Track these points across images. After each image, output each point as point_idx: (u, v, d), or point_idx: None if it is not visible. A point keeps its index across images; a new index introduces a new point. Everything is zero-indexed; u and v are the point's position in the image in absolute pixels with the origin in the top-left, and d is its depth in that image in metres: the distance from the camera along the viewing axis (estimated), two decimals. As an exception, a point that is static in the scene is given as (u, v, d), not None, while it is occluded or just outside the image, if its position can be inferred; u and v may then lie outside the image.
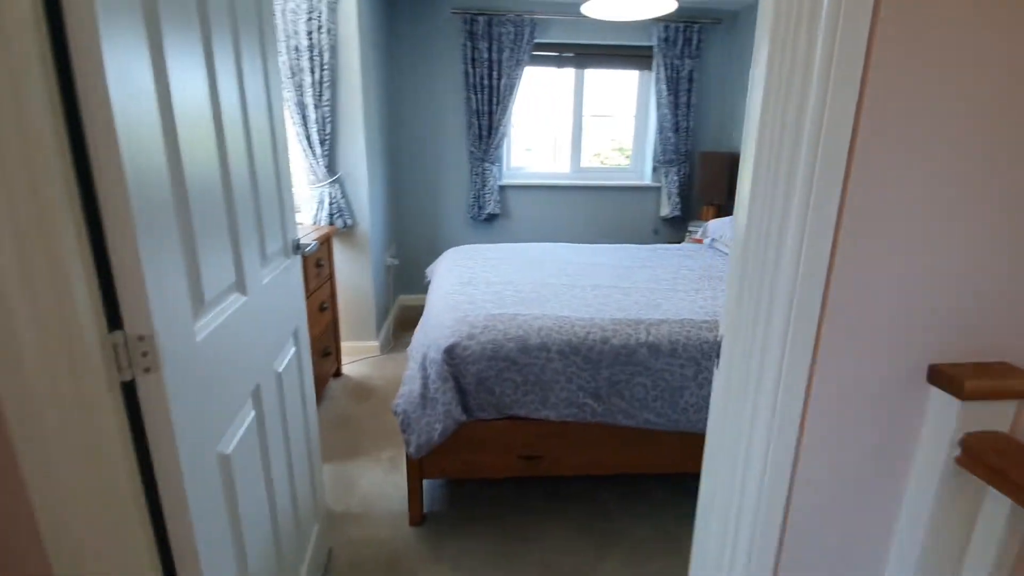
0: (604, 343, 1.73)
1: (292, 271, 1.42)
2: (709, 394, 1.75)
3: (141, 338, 0.71)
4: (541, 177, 4.17)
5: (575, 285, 2.23)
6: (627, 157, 4.25)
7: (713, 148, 4.00)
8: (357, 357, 3.13)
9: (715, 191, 3.75)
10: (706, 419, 1.75)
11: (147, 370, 0.73)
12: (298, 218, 2.94)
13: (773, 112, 0.82)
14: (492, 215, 3.95)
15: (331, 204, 2.84)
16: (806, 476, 0.92)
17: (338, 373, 2.91)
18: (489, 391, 1.70)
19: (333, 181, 2.85)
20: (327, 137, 2.78)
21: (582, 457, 1.81)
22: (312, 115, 2.71)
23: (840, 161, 0.78)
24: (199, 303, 0.87)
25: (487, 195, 3.87)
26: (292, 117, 2.71)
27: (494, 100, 3.69)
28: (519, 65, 3.64)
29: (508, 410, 1.72)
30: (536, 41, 3.66)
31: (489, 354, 1.68)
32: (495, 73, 3.63)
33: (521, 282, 2.26)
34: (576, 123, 4.07)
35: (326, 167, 2.82)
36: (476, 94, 3.67)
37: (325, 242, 2.63)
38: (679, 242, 4.03)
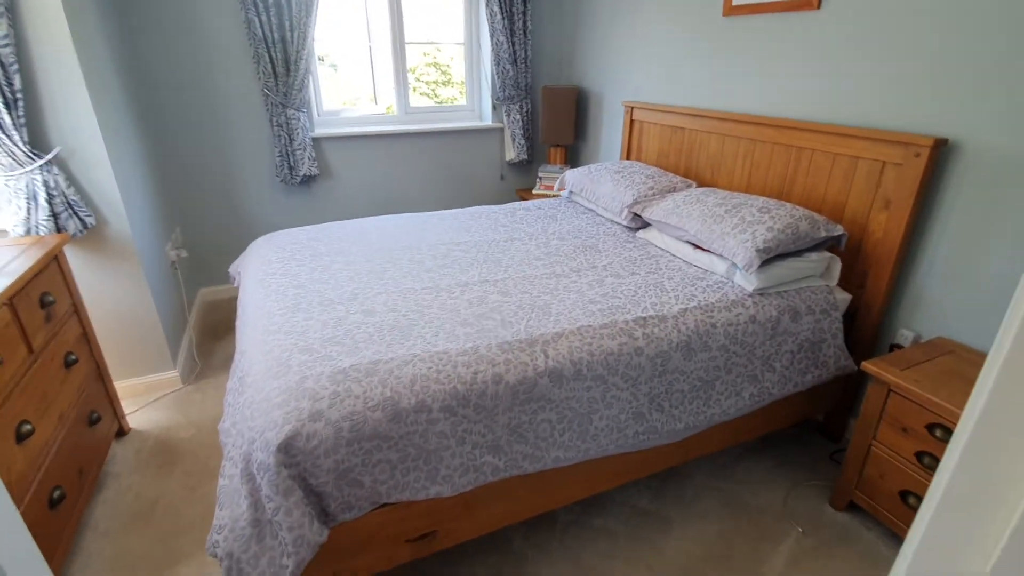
0: (497, 382, 1.34)
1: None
2: (618, 413, 1.50)
3: None
4: (364, 123, 3.44)
5: (439, 288, 1.76)
6: (460, 93, 3.70)
7: (555, 82, 3.64)
8: (149, 399, 2.32)
9: (561, 131, 3.45)
10: (618, 439, 1.51)
11: None
12: (-2, 222, 1.93)
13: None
14: (309, 176, 3.17)
15: (50, 199, 1.88)
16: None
17: (122, 432, 2.11)
18: (356, 483, 1.22)
19: (46, 164, 1.87)
20: (18, 95, 1.77)
21: (483, 517, 1.46)
22: (-23, 59, 1.67)
23: None
24: None
25: (298, 151, 3.06)
26: (-64, 64, 1.65)
27: (287, 23, 2.80)
28: (314, -24, 2.77)
29: (386, 499, 1.27)
30: (332, -57, 2.80)
31: (348, 437, 1.18)
32: (282, -14, 2.72)
33: (368, 292, 1.72)
34: (397, 52, 3.35)
35: (26, 142, 1.82)
36: (259, 15, 2.74)
37: (51, 262, 1.74)
38: (529, 189, 3.71)
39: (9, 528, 0.72)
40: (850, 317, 1.94)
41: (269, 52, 2.82)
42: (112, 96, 2.17)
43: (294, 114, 2.98)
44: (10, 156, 1.81)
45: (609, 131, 3.32)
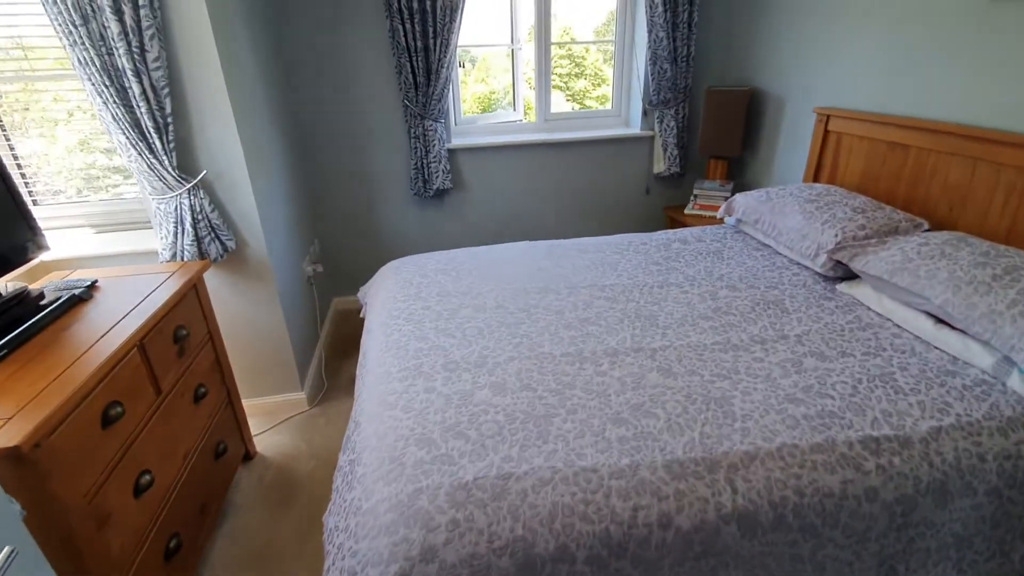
0: (665, 526, 0.98)
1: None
2: (834, 578, 1.06)
3: None
4: (500, 132, 3.21)
5: (583, 357, 1.43)
6: (594, 86, 3.31)
7: (721, 83, 3.10)
8: (276, 420, 2.30)
9: (725, 141, 2.92)
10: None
11: None
12: (150, 244, 1.97)
13: None
14: (442, 190, 3.01)
15: (195, 223, 1.87)
16: None
17: (249, 456, 2.09)
18: (471, 643, 0.94)
19: (193, 187, 1.86)
20: (169, 119, 1.75)
21: None
22: (135, 85, 1.66)
23: None
24: None
25: (433, 164, 2.91)
26: (100, 92, 1.66)
27: (431, 30, 2.63)
28: (460, -23, 2.56)
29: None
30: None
31: (466, 587, 0.91)
32: (427, -10, 2.55)
33: (498, 356, 1.44)
34: (542, 56, 3.06)
35: (175, 166, 1.81)
36: (404, 22, 2.60)
37: (189, 291, 1.71)
38: (681, 207, 3.22)
39: None
40: None
41: (411, 61, 2.68)
42: (257, 114, 2.14)
43: (431, 125, 2.83)
44: (161, 180, 1.81)
45: (789, 143, 2.72)
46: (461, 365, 1.40)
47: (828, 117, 2.35)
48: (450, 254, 2.18)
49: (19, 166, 1.99)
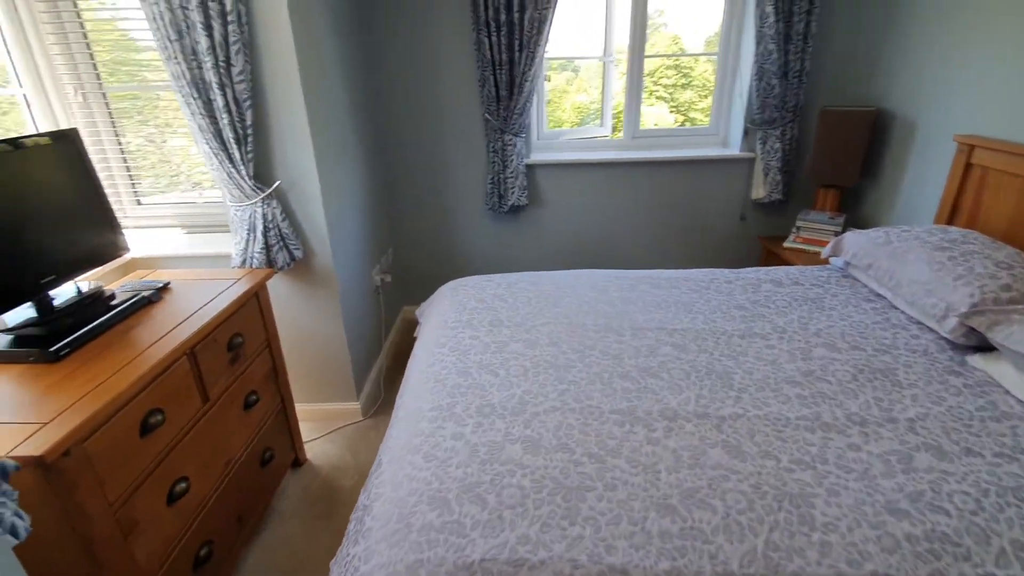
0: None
1: None
2: None
3: None
4: (583, 148, 3.06)
5: (636, 417, 1.25)
6: (700, 97, 3.05)
7: (839, 103, 2.73)
8: (328, 428, 2.32)
9: (841, 167, 2.56)
10: None
11: None
12: (221, 248, 2.04)
13: None
14: (517, 206, 2.92)
15: (266, 231, 1.92)
16: None
17: (298, 462, 2.11)
18: None
19: (267, 196, 1.90)
20: (248, 131, 1.80)
21: None
22: (219, 98, 1.73)
23: None
24: None
25: (509, 179, 2.82)
26: (188, 103, 1.74)
27: (516, 43, 2.55)
28: (551, -12, 2.45)
29: None
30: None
31: None
32: (516, 2, 2.47)
33: (540, 403, 1.30)
34: (634, 69, 2.88)
35: (251, 176, 1.87)
36: (491, 35, 2.54)
37: (250, 299, 1.74)
38: (780, 238, 2.88)
39: None
40: None
41: (495, 74, 2.61)
42: (336, 126, 2.17)
43: (511, 139, 2.74)
44: (239, 188, 1.87)
45: (919, 175, 2.33)
46: (497, 410, 1.28)
47: (972, 148, 1.96)
48: (511, 278, 2.07)
49: (127, 168, 2.16)
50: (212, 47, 1.67)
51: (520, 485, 1.05)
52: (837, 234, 2.49)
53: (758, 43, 2.59)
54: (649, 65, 3.01)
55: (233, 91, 1.74)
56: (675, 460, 1.12)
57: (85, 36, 1.93)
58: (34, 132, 1.65)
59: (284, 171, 1.95)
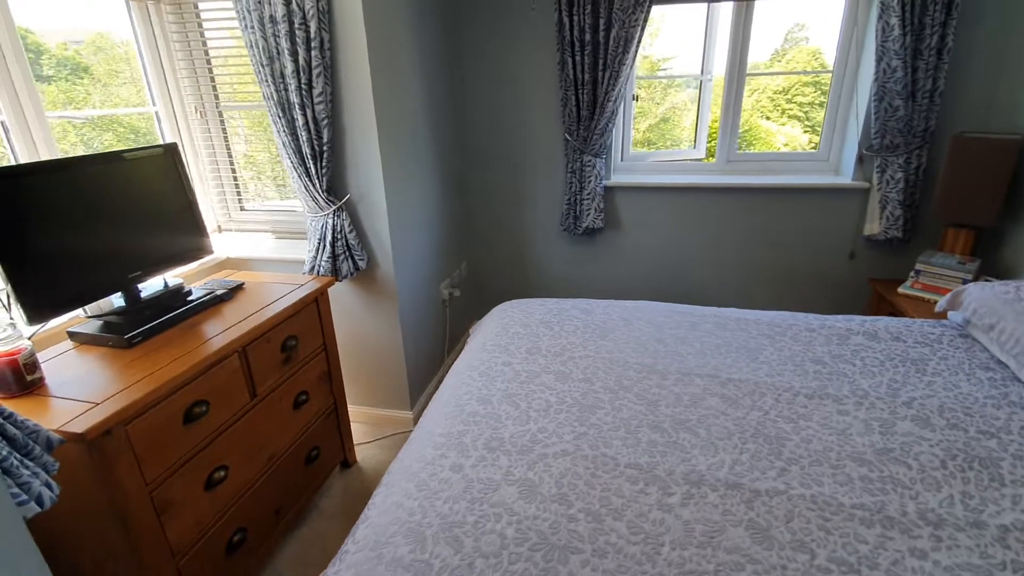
0: None
1: None
2: None
3: None
4: (669, 171, 2.89)
5: (654, 478, 1.12)
6: (794, 137, 2.73)
7: (979, 128, 2.31)
8: (381, 433, 2.39)
9: (976, 203, 2.16)
10: None
11: None
12: (301, 254, 2.20)
13: None
14: (592, 229, 2.83)
15: (334, 241, 2.03)
16: None
17: (347, 463, 2.20)
18: None
19: (339, 209, 2.02)
20: (324, 147, 1.93)
21: None
22: (299, 117, 1.87)
23: None
24: None
25: (585, 201, 2.75)
26: (275, 121, 1.91)
27: (600, 63, 2.49)
28: (640, 5, 2.36)
29: None
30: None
31: None
32: (603, 21, 2.41)
33: (550, 451, 1.22)
34: (733, 87, 2.67)
35: (326, 190, 2.00)
36: (575, 55, 2.50)
37: (309, 305, 1.85)
38: (895, 282, 2.49)
39: None
40: None
41: (577, 94, 2.57)
42: (410, 143, 2.25)
43: (590, 160, 2.67)
44: (314, 200, 2.01)
45: (1086, 218, 1.88)
46: (505, 445, 1.23)
47: None
48: (565, 303, 2.00)
49: (235, 178, 2.42)
50: (296, 71, 1.81)
51: (502, 533, 0.99)
52: (965, 282, 2.09)
53: (879, 60, 2.27)
54: (784, 82, 2.77)
55: (313, 111, 1.88)
56: (684, 534, 0.98)
57: (209, 63, 2.20)
58: (143, 145, 1.91)
59: (355, 186, 2.06)
